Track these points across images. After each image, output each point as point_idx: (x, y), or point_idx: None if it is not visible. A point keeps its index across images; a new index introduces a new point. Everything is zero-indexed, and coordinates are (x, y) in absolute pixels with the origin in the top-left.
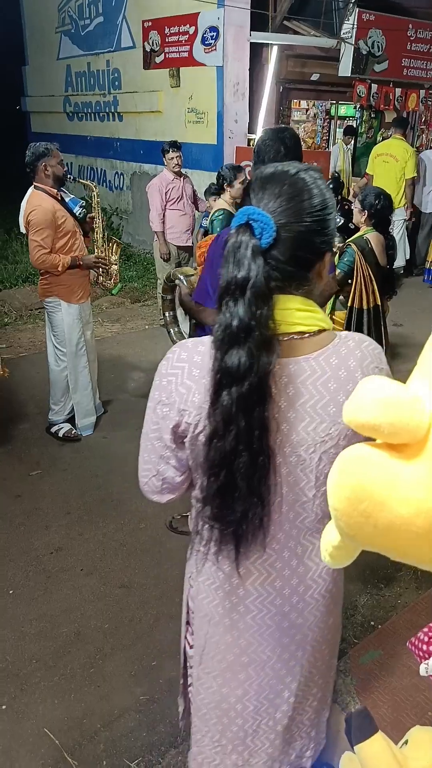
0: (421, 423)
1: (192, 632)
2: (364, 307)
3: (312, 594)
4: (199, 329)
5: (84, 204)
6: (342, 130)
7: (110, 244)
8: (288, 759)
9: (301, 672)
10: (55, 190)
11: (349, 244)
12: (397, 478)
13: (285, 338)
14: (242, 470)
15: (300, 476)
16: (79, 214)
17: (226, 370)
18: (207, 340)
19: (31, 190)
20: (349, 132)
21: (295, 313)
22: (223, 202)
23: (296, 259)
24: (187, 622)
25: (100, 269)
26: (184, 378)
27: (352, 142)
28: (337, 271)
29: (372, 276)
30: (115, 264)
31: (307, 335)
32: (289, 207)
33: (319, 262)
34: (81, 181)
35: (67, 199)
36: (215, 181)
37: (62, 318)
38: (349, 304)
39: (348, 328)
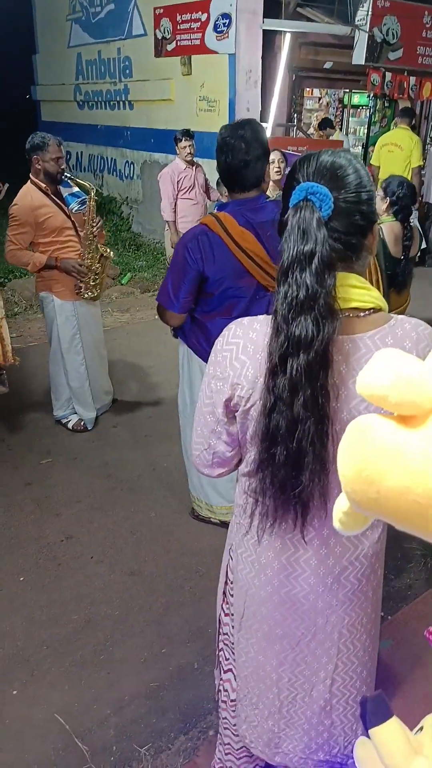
0: (428, 397)
1: (228, 602)
2: None
3: (347, 576)
4: (179, 330)
5: (86, 200)
6: (356, 119)
7: (96, 254)
8: (326, 745)
9: (338, 656)
10: (45, 185)
11: None
12: (400, 448)
13: (341, 315)
14: (309, 437)
15: None
16: (74, 210)
17: (293, 338)
18: (262, 318)
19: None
20: (325, 125)
21: (351, 289)
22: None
23: (353, 227)
24: (224, 593)
25: (80, 277)
26: (239, 353)
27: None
28: None
29: (377, 267)
30: (97, 274)
31: (362, 314)
32: (337, 182)
33: (370, 230)
34: (78, 181)
35: (66, 194)
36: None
37: (53, 314)
38: None
39: None
